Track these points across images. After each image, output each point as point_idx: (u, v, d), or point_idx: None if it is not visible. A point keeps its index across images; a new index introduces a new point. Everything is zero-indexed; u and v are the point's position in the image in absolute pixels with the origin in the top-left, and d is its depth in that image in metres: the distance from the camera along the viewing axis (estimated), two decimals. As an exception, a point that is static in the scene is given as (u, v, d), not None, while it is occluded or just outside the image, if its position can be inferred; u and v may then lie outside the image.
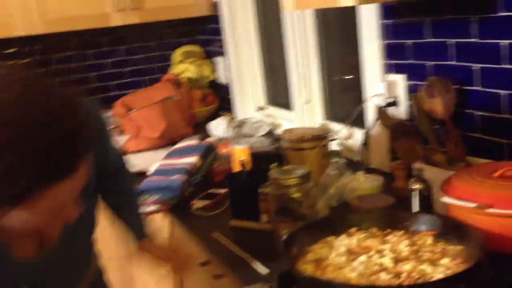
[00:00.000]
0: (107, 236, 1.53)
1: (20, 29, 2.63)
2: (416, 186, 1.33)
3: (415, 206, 1.34)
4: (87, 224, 1.19)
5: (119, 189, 1.37)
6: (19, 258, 1.02)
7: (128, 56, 3.16)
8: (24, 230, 0.89)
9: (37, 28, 2.68)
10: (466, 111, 1.55)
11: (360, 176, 1.60)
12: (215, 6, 2.93)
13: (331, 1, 1.32)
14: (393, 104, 1.78)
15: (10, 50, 2.92)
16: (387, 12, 1.75)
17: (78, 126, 0.84)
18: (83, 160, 0.86)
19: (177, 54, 3.18)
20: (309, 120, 2.39)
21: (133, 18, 2.81)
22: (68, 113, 0.83)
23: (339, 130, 1.95)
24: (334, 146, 2.10)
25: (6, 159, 0.77)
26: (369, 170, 1.85)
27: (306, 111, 2.39)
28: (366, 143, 1.91)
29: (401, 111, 1.76)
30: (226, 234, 1.52)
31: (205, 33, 3.20)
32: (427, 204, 1.32)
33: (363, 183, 1.56)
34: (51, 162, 0.81)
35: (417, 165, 1.55)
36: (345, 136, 2.14)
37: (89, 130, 0.87)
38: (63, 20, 2.72)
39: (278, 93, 2.78)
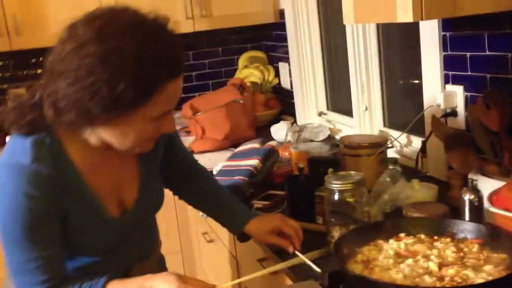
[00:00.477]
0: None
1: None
2: (468, 195, 1.38)
3: (466, 215, 1.39)
4: (155, 200, 1.41)
5: (211, 189, 1.58)
6: (108, 217, 1.25)
7: (196, 60, 3.32)
8: (138, 139, 1.15)
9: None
10: (523, 123, 1.57)
11: (415, 183, 1.65)
12: (281, 14, 3.03)
13: (389, 17, 1.38)
14: (451, 114, 1.81)
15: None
16: (447, 24, 1.79)
17: (179, 40, 1.16)
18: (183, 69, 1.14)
19: (243, 59, 3.31)
20: (369, 127, 2.44)
21: (202, 25, 2.96)
22: (173, 29, 1.16)
23: (397, 137, 2.00)
24: (391, 153, 2.16)
25: (147, 51, 1.04)
26: (426, 178, 1.90)
27: (366, 117, 2.45)
28: (423, 152, 1.96)
29: (459, 121, 1.80)
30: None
31: (270, 39, 3.31)
32: (478, 214, 1.36)
33: (418, 191, 1.61)
34: (175, 54, 1.10)
35: (471, 175, 1.59)
36: (403, 144, 2.20)
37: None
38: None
39: (339, 99, 2.84)
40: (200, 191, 1.57)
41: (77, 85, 1.04)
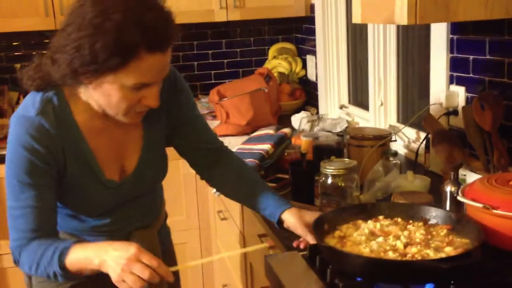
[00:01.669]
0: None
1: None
2: (449, 187, 1.50)
3: (447, 204, 1.50)
4: (157, 172, 1.49)
5: (243, 175, 1.58)
6: (106, 180, 1.36)
7: (228, 49, 3.48)
8: (118, 106, 1.24)
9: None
10: (514, 125, 1.67)
11: (409, 175, 1.77)
12: (311, 8, 3.15)
13: (389, 19, 1.50)
14: (452, 113, 1.92)
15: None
16: (455, 27, 1.89)
17: (173, 19, 1.23)
18: (171, 46, 1.22)
19: (272, 50, 3.45)
20: (383, 121, 2.55)
21: (235, 15, 3.12)
22: (168, 9, 1.23)
23: (398, 131, 2.11)
24: (398, 147, 2.28)
25: (130, 18, 1.14)
26: (427, 173, 2.01)
27: (381, 112, 2.56)
28: (427, 147, 2.07)
29: (459, 120, 1.90)
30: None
31: (300, 32, 3.44)
32: (458, 204, 1.48)
33: (410, 182, 1.73)
34: (158, 30, 1.17)
35: (461, 170, 1.70)
36: (411, 139, 2.31)
37: (178, 27, 1.24)
38: (175, 14, 3.06)
39: (361, 94, 2.95)
40: (232, 177, 1.57)
41: (67, 39, 1.18)
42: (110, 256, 1.18)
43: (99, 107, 1.30)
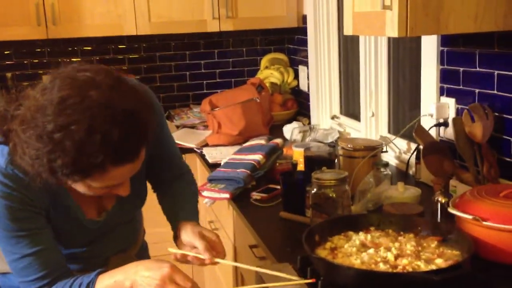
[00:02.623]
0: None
1: (130, 30, 3.02)
2: (440, 198, 1.50)
3: (437, 216, 1.51)
4: (136, 202, 1.44)
5: (179, 190, 1.51)
6: (87, 220, 1.33)
7: (220, 59, 3.49)
8: (86, 195, 1.19)
9: (145, 29, 3.06)
10: (504, 137, 1.68)
11: (400, 186, 1.77)
12: (304, 19, 3.17)
13: (380, 31, 1.52)
14: (443, 124, 1.93)
15: (121, 46, 3.34)
16: (445, 40, 1.91)
17: (149, 121, 1.13)
18: (143, 150, 1.15)
19: (265, 60, 3.46)
20: (374, 132, 2.56)
21: (227, 26, 3.13)
22: (142, 111, 1.11)
23: (389, 143, 2.12)
24: (389, 158, 2.29)
25: (94, 137, 1.05)
26: (417, 184, 2.02)
27: (372, 123, 2.57)
28: (417, 158, 2.08)
29: (449, 131, 1.91)
30: (276, 224, 1.77)
31: (292, 43, 3.45)
32: (448, 215, 1.48)
33: (401, 193, 1.74)
34: (126, 146, 1.09)
35: (452, 181, 1.71)
36: (402, 150, 2.32)
37: (155, 123, 1.15)
38: (168, 23, 3.09)
39: (353, 105, 2.97)
40: (168, 193, 1.52)
41: (29, 143, 1.08)
42: (141, 277, 1.16)
43: None
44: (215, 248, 1.32)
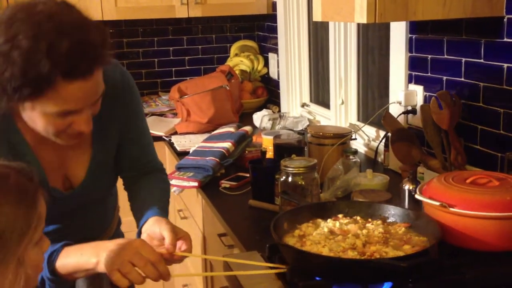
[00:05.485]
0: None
1: (96, 15, 2.95)
2: (407, 185, 1.51)
3: (406, 203, 1.52)
4: (105, 184, 1.42)
5: (149, 186, 1.46)
6: (52, 189, 1.29)
7: (189, 45, 3.44)
8: (46, 130, 1.14)
9: (112, 14, 2.99)
10: (471, 124, 1.69)
11: (368, 173, 1.78)
12: (273, 6, 3.14)
13: (349, 17, 1.50)
14: (411, 112, 1.94)
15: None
16: (414, 27, 1.91)
17: (101, 42, 1.11)
18: (97, 70, 1.11)
19: (234, 47, 3.43)
20: (344, 120, 2.56)
21: (196, 12, 3.08)
22: (93, 29, 1.11)
23: (359, 130, 2.12)
24: (358, 145, 2.29)
25: (41, 45, 1.03)
26: (385, 171, 2.03)
27: (342, 111, 2.57)
28: (386, 146, 2.08)
29: (417, 119, 1.92)
30: (245, 212, 1.75)
31: (262, 30, 3.43)
32: (416, 202, 1.49)
33: (370, 180, 1.74)
34: (74, 59, 1.06)
35: (420, 168, 1.72)
36: (371, 138, 2.32)
37: (107, 50, 1.12)
38: (135, 9, 3.02)
39: (323, 92, 2.96)
40: (139, 188, 1.47)
41: None
42: (109, 252, 1.14)
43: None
44: (184, 243, 1.27)
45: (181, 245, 1.25)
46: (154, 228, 1.27)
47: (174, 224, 1.31)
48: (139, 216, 1.36)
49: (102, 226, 1.48)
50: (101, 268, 1.15)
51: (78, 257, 1.17)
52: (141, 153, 1.47)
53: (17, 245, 0.88)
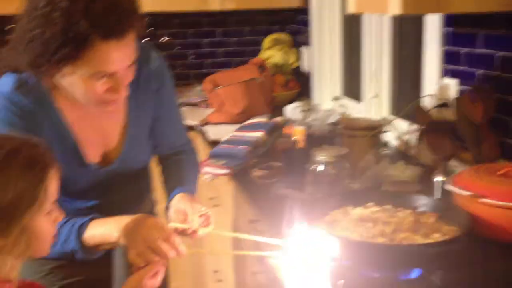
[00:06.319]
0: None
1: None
2: (439, 177, 1.52)
3: (437, 193, 1.53)
4: (140, 158, 1.47)
5: (181, 161, 1.54)
6: (90, 165, 1.35)
7: (223, 38, 3.48)
8: (84, 96, 1.22)
9: (148, 5, 3.04)
10: (505, 118, 1.69)
11: (400, 165, 1.79)
12: (307, -1, 3.16)
13: (382, 9, 1.52)
14: (444, 105, 1.93)
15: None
16: (449, 20, 1.91)
17: (131, 5, 1.19)
18: (130, 33, 1.18)
19: (267, 40, 3.45)
20: (376, 113, 2.57)
21: (230, 4, 3.12)
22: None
23: (390, 122, 2.13)
24: (386, 137, 2.30)
25: (79, 6, 1.11)
26: (418, 164, 2.03)
27: (374, 104, 2.57)
28: (419, 139, 2.08)
29: (451, 112, 1.92)
30: (275, 200, 1.78)
31: (295, 23, 3.44)
32: (447, 193, 1.50)
33: (401, 171, 1.75)
34: (110, 18, 1.13)
35: (452, 162, 1.73)
36: (404, 131, 2.32)
37: (138, 18, 1.20)
38: (171, 0, 3.07)
39: (355, 86, 2.97)
40: (171, 165, 1.55)
41: (22, 28, 1.18)
42: (127, 227, 1.19)
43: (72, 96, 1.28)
44: (206, 220, 1.33)
45: (203, 221, 1.30)
46: (179, 204, 1.34)
47: None
48: (168, 192, 1.43)
49: (138, 205, 1.53)
50: (122, 242, 1.20)
51: (103, 230, 1.24)
52: (174, 132, 1.54)
53: (22, 215, 0.95)
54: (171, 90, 1.49)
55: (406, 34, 2.43)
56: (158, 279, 1.17)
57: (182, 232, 1.30)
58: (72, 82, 1.21)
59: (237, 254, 1.26)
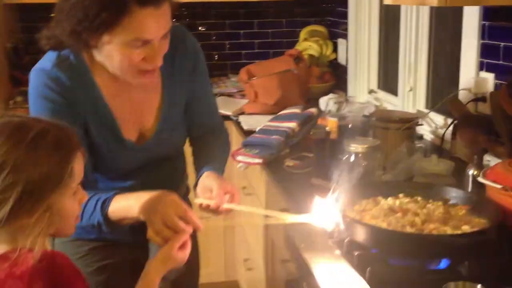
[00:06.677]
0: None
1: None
2: (472, 170, 1.51)
3: (469, 187, 1.52)
4: (175, 137, 1.51)
5: (212, 143, 1.57)
6: (127, 141, 1.39)
7: (260, 29, 3.51)
8: (121, 65, 1.27)
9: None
10: (542, 113, 1.66)
11: (433, 158, 1.78)
12: (345, -9, 3.15)
13: (419, 1, 1.52)
14: (480, 99, 1.92)
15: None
16: (487, 14, 1.88)
17: None
18: (166, 3, 1.24)
19: (304, 32, 3.46)
20: (411, 107, 2.55)
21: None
22: None
23: (425, 115, 2.12)
24: (421, 131, 2.28)
25: None
26: (452, 159, 2.01)
27: (410, 98, 2.56)
28: (454, 133, 2.07)
29: (487, 106, 1.89)
30: (307, 189, 1.80)
31: (332, 15, 3.44)
32: (479, 187, 1.49)
33: (434, 165, 1.75)
34: None
35: (486, 156, 1.71)
36: (439, 125, 2.31)
37: None
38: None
39: (391, 79, 2.95)
40: (202, 145, 1.58)
41: (62, 3, 1.25)
42: (146, 203, 1.23)
43: (111, 69, 1.33)
44: (231, 197, 1.36)
45: (228, 198, 1.33)
46: (206, 181, 1.38)
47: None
48: (197, 170, 1.47)
49: (173, 189, 1.56)
50: (142, 218, 1.24)
51: (124, 205, 1.28)
52: (207, 113, 1.57)
53: (47, 195, 0.99)
54: (204, 71, 1.54)
55: (444, 27, 2.40)
56: (187, 252, 1.21)
57: (206, 208, 1.34)
58: (109, 51, 1.26)
59: (267, 223, 1.28)
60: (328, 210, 1.21)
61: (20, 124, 1.00)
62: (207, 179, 1.39)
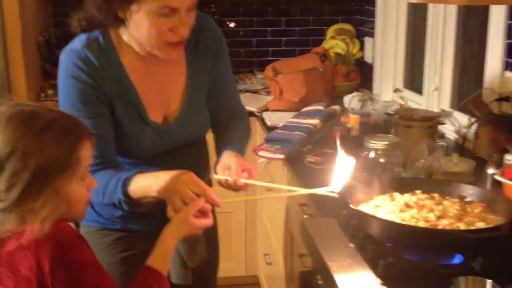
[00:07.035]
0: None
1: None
2: (491, 169, 1.51)
3: (487, 186, 1.52)
4: (199, 122, 1.55)
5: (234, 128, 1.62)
6: (153, 123, 1.44)
7: (287, 27, 3.53)
8: (149, 35, 1.33)
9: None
10: None
11: (454, 157, 1.78)
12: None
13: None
14: (504, 99, 1.90)
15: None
16: (514, 13, 1.87)
17: None
18: None
19: (331, 30, 3.47)
20: (436, 106, 2.54)
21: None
22: None
23: (457, 118, 2.11)
24: (444, 130, 2.27)
25: None
26: (474, 158, 2.00)
27: (434, 97, 2.55)
28: (477, 133, 2.06)
29: (510, 106, 1.88)
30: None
31: (360, 13, 3.44)
32: (499, 185, 1.48)
33: (454, 163, 1.74)
34: None
35: (507, 155, 1.70)
36: (462, 125, 2.29)
37: None
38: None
39: (416, 78, 2.94)
40: (223, 129, 1.62)
41: None
42: (165, 182, 1.26)
43: (139, 45, 1.38)
44: (249, 174, 1.39)
45: (246, 175, 1.38)
46: (225, 160, 1.42)
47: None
48: (219, 152, 1.51)
49: (198, 171, 1.57)
50: (161, 197, 1.28)
51: (144, 184, 1.32)
52: (229, 98, 1.62)
53: (55, 180, 1.04)
54: (227, 57, 1.59)
55: (470, 26, 2.39)
56: (207, 222, 1.24)
57: (225, 183, 1.38)
58: (138, 21, 1.31)
59: (290, 195, 1.32)
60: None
61: (31, 113, 1.06)
62: (227, 158, 1.43)
